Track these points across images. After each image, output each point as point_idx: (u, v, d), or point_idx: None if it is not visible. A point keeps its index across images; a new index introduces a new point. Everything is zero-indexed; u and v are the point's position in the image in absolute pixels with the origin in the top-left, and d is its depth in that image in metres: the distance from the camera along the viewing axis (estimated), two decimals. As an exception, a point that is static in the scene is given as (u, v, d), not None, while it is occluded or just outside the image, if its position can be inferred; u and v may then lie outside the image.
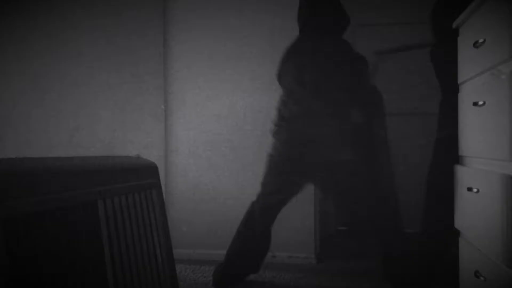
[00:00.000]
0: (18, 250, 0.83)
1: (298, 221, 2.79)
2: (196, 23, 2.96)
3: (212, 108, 2.93)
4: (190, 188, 2.94)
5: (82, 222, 1.06)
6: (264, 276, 2.48)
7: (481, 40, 1.41)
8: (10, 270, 0.80)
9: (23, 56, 3.16)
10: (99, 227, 1.11)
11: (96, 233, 1.11)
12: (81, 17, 3.09)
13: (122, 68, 3.04)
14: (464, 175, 1.60)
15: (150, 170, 1.54)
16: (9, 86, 3.17)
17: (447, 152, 1.98)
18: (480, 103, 1.41)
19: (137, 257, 1.28)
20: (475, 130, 1.51)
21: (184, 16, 2.97)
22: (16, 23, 3.15)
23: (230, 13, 2.92)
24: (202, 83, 2.95)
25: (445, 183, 1.95)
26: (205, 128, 2.94)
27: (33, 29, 3.14)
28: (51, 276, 0.92)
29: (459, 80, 1.71)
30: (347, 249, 3.15)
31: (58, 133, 3.08)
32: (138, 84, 3.02)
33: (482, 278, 1.39)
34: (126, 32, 3.03)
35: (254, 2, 2.89)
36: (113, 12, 3.05)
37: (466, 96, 1.61)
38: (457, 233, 1.73)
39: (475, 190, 1.45)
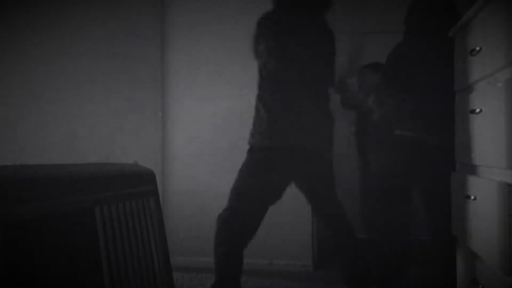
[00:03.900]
0: (15, 256, 0.83)
1: (295, 228, 2.78)
2: (194, 28, 2.97)
3: (210, 113, 2.93)
4: (187, 195, 2.93)
5: (80, 229, 1.06)
6: (261, 284, 2.47)
7: (477, 48, 1.42)
8: (6, 276, 0.79)
9: (21, 61, 3.16)
10: (96, 234, 1.11)
11: (93, 240, 1.10)
12: (79, 22, 3.10)
13: (120, 73, 3.04)
14: (461, 182, 1.61)
15: (148, 177, 1.54)
16: (7, 92, 3.17)
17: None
18: (477, 110, 1.42)
19: (134, 265, 1.27)
20: (471, 138, 1.52)
21: (182, 21, 2.99)
22: (14, 26, 3.16)
23: (227, 16, 2.93)
24: (199, 88, 2.95)
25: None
26: (203, 134, 2.94)
27: (31, 33, 3.14)
28: (48, 282, 0.91)
29: (456, 88, 1.72)
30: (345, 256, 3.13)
31: (55, 140, 3.07)
32: (135, 90, 3.03)
33: (480, 286, 1.39)
34: (124, 36, 3.04)
35: (250, 4, 2.91)
36: (112, 17, 3.06)
37: (462, 104, 1.62)
38: (454, 240, 1.73)
39: (472, 197, 1.45)
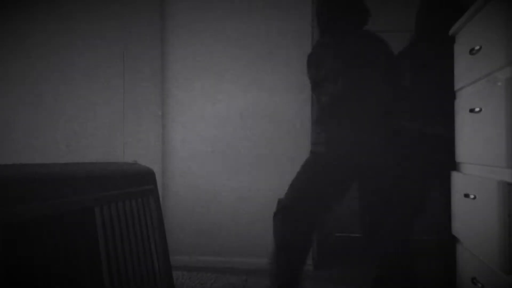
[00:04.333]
0: (15, 256, 0.83)
1: (295, 228, 2.78)
2: (194, 27, 2.97)
3: (210, 112, 2.93)
4: (187, 194, 2.93)
5: (79, 229, 1.06)
6: (262, 283, 2.47)
7: (477, 47, 1.42)
8: (6, 275, 0.79)
9: (21, 61, 3.15)
10: (96, 234, 1.11)
11: (93, 239, 1.10)
12: (79, 22, 3.10)
13: (120, 73, 3.04)
14: (461, 182, 1.61)
15: (147, 176, 1.54)
16: (7, 91, 3.17)
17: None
18: (477, 109, 1.42)
19: (134, 264, 1.27)
20: (471, 137, 1.52)
21: (182, 20, 2.98)
22: (14, 27, 3.16)
23: (228, 15, 2.93)
24: (199, 87, 2.95)
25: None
26: (202, 133, 2.94)
27: (31, 33, 3.14)
28: (48, 282, 0.91)
29: (456, 87, 1.72)
30: (345, 256, 3.14)
31: (55, 139, 3.07)
32: (135, 90, 3.02)
33: (479, 285, 1.39)
34: (124, 36, 3.04)
35: (250, 2, 2.91)
36: (112, 16, 3.06)
37: (462, 103, 1.62)
38: (454, 240, 1.73)
39: (471, 196, 1.45)
